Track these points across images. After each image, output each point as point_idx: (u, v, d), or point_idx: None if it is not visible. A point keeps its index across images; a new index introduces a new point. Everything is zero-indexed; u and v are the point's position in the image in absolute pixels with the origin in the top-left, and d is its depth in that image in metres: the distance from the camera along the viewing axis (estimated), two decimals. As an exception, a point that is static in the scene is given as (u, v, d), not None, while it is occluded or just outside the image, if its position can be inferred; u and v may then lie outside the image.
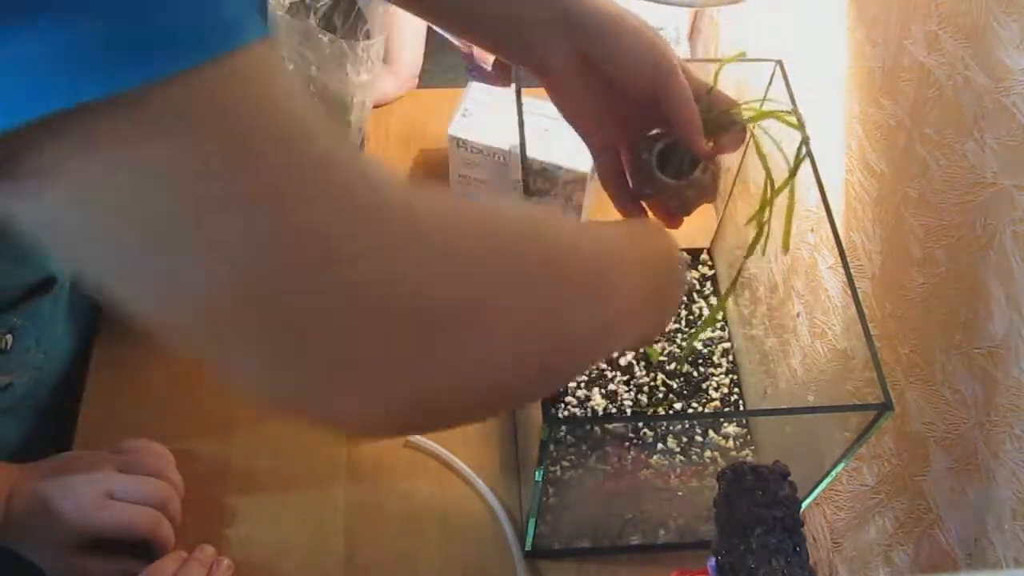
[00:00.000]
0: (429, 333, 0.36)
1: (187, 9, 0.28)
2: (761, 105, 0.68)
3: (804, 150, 0.64)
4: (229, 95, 0.30)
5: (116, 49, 0.27)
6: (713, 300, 0.90)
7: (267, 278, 0.31)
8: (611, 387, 0.83)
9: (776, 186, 0.64)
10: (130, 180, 0.29)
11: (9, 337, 0.68)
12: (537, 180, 0.89)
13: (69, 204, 0.29)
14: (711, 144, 0.61)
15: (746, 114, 0.62)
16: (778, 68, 0.71)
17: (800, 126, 0.63)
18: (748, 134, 0.63)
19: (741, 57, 0.69)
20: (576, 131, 0.64)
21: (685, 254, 0.94)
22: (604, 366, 0.84)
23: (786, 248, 0.66)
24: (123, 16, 0.27)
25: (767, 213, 0.66)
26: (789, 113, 0.64)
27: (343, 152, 0.34)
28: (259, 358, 0.34)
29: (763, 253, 0.68)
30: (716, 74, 0.62)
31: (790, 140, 0.64)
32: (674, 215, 0.65)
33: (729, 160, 0.77)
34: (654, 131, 0.62)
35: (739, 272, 0.81)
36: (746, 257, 0.72)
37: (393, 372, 0.36)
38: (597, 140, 0.64)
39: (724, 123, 0.61)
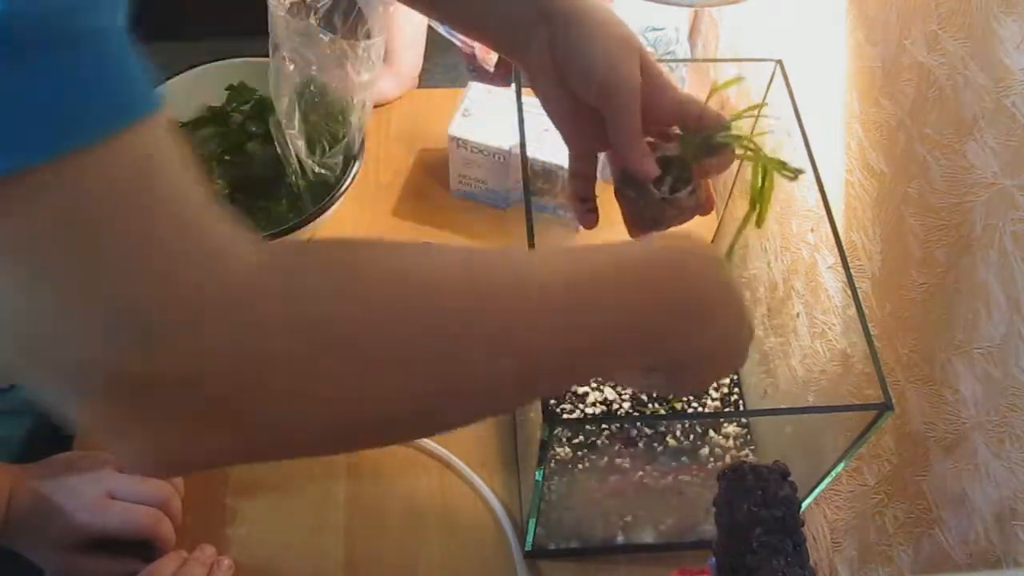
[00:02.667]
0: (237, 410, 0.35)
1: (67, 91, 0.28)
2: (757, 117, 0.69)
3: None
4: (109, 177, 0.30)
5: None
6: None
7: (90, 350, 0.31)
8: (611, 387, 0.83)
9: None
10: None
11: None
12: (537, 180, 0.89)
13: None
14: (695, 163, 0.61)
15: (742, 123, 0.62)
16: (778, 68, 0.71)
17: (787, 169, 0.62)
18: (734, 158, 0.62)
19: (738, 82, 0.69)
20: (559, 132, 0.64)
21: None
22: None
23: (759, 224, 0.66)
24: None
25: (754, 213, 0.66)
26: (784, 166, 0.62)
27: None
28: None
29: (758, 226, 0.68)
30: (708, 97, 0.62)
31: (790, 146, 0.65)
32: (644, 228, 0.63)
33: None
34: (649, 139, 0.62)
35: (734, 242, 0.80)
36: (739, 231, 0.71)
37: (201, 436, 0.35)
38: (575, 143, 0.64)
39: (712, 146, 0.61)
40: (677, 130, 0.63)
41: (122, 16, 0.31)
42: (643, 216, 0.63)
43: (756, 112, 0.70)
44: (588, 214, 0.66)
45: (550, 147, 0.86)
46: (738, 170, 0.84)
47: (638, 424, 0.73)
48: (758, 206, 0.66)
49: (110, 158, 0.30)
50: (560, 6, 0.59)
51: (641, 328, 0.46)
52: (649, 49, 0.98)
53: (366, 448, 0.45)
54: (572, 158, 0.66)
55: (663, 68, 0.61)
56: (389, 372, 0.37)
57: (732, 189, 0.86)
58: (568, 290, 0.43)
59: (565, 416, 0.81)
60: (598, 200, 0.67)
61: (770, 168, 0.63)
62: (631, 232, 0.64)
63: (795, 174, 0.62)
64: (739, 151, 0.62)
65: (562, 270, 0.44)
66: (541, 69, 0.60)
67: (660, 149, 0.61)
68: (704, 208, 0.64)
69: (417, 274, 0.39)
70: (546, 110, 0.63)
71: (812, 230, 0.73)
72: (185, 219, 0.32)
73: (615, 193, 0.64)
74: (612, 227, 0.66)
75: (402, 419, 0.40)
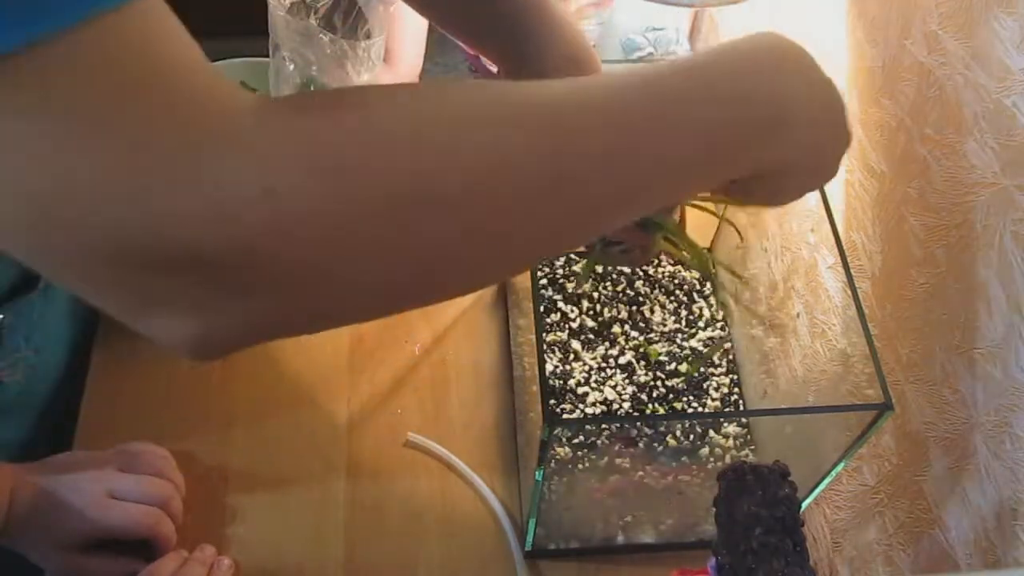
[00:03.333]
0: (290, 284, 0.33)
1: None
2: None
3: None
4: (107, 52, 0.29)
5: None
6: (713, 300, 0.90)
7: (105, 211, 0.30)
8: (611, 386, 0.83)
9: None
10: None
11: None
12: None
13: None
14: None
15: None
16: (778, 68, 0.71)
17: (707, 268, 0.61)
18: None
19: None
20: None
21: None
22: (604, 365, 0.84)
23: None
24: None
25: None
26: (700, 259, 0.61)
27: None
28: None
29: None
30: None
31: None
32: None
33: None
34: None
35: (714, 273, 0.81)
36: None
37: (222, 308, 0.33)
38: None
39: (650, 222, 0.58)
40: None
41: None
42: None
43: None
44: None
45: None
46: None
47: (638, 424, 0.73)
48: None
49: (134, 16, 0.30)
50: (545, 24, 0.59)
51: (711, 142, 0.40)
52: (649, 49, 0.98)
53: (420, 302, 0.40)
54: None
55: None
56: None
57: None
58: (625, 109, 0.38)
59: (565, 416, 0.81)
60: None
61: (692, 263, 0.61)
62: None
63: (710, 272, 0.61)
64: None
65: (614, 86, 0.39)
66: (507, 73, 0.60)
67: None
68: (638, 264, 0.63)
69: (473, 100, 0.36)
70: None
71: (812, 230, 0.73)
72: (205, 71, 0.32)
73: None
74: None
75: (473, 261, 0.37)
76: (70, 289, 0.33)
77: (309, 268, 0.33)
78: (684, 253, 0.60)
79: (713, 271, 0.61)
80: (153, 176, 0.30)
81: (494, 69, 1.22)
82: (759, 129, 0.42)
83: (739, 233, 0.67)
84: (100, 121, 0.30)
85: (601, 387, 0.83)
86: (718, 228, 0.93)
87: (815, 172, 0.48)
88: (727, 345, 0.87)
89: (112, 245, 0.30)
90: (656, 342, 0.86)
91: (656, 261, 0.92)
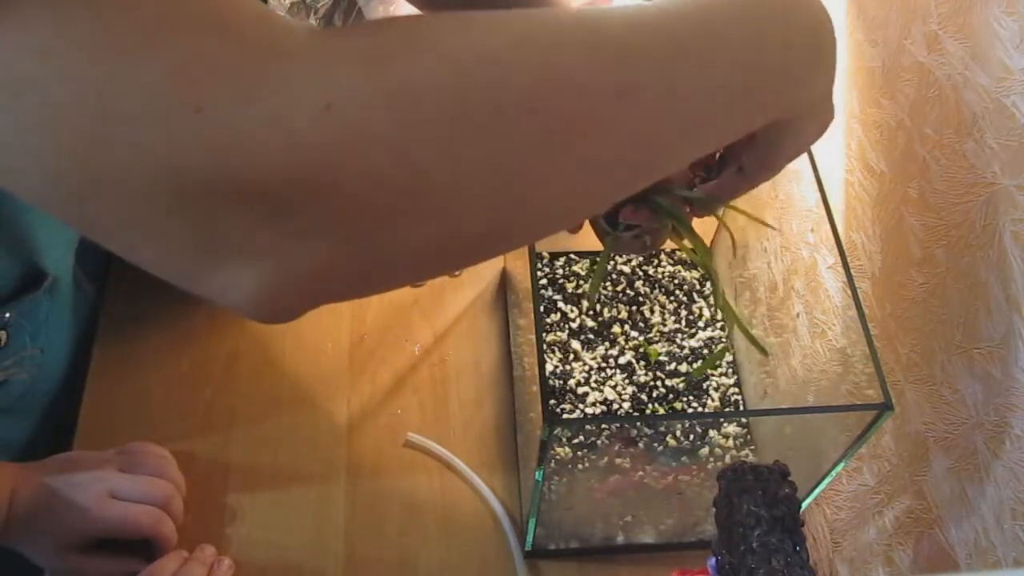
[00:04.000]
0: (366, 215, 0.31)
1: None
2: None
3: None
4: None
5: None
6: (713, 300, 0.90)
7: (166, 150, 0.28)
8: (611, 387, 0.83)
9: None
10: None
11: (3, 333, 0.68)
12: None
13: None
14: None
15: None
16: (778, 68, 0.71)
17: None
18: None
19: None
20: None
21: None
22: (604, 365, 0.84)
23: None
24: None
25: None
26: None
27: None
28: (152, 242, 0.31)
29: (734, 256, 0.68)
30: None
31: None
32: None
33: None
34: None
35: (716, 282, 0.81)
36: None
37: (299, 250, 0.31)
38: None
39: (651, 200, 0.59)
40: None
41: None
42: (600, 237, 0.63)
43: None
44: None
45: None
46: (738, 170, 0.84)
47: (638, 424, 0.73)
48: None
49: None
50: None
51: (761, 64, 0.40)
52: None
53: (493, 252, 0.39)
54: None
55: None
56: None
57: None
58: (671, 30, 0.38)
59: (565, 416, 0.81)
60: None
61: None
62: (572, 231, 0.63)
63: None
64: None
65: (666, 7, 0.39)
66: None
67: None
68: (648, 250, 0.63)
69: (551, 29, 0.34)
70: None
71: (812, 230, 0.73)
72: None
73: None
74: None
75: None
76: (125, 245, 0.31)
77: (375, 198, 0.31)
78: (686, 243, 0.60)
79: (712, 269, 0.62)
80: (210, 87, 0.28)
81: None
82: (803, 55, 0.42)
83: (732, 241, 0.68)
84: (152, 30, 0.28)
85: (601, 387, 0.83)
86: (718, 228, 0.93)
87: (828, 111, 0.49)
88: (727, 344, 0.87)
89: (169, 171, 0.28)
90: (656, 342, 0.86)
91: (656, 261, 0.93)
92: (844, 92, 0.71)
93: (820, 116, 0.49)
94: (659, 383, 0.84)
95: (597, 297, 0.88)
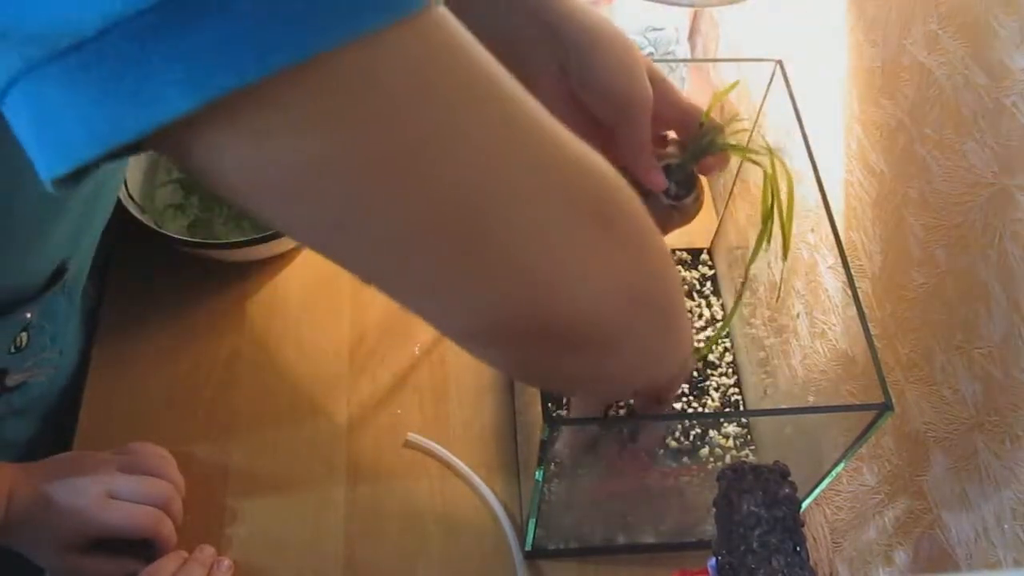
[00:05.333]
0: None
1: None
2: (759, 112, 0.69)
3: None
4: (410, 61, 0.31)
5: (293, 22, 0.27)
6: (713, 300, 0.90)
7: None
8: (611, 387, 0.83)
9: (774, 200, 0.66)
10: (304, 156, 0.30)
11: (24, 335, 0.68)
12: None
13: (246, 178, 0.31)
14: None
15: (738, 137, 0.64)
16: (778, 68, 0.71)
17: (772, 172, 0.65)
18: (729, 158, 0.65)
19: (736, 86, 0.71)
20: None
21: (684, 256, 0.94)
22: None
23: (785, 256, 0.68)
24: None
25: (769, 228, 0.67)
26: (762, 153, 0.65)
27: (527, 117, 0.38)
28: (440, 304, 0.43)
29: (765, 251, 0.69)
30: (710, 107, 0.62)
31: (790, 146, 0.65)
32: None
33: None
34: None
35: (743, 285, 0.81)
36: (748, 265, 0.73)
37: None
38: None
39: (711, 149, 0.63)
40: (673, 134, 0.64)
41: None
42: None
43: (755, 117, 0.71)
44: None
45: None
46: (738, 170, 0.84)
47: (638, 424, 0.73)
48: (772, 224, 0.67)
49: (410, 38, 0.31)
50: (569, 23, 0.58)
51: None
52: (649, 49, 0.98)
53: None
54: None
55: (663, 73, 0.62)
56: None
57: (732, 189, 0.86)
58: None
59: (565, 416, 0.81)
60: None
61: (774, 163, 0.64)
62: None
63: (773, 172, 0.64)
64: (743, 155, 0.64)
65: None
66: (548, 83, 0.59)
67: (663, 158, 0.62)
68: (699, 210, 0.66)
69: None
70: None
71: (812, 230, 0.73)
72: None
73: None
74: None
75: None
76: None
77: (615, 338, 0.43)
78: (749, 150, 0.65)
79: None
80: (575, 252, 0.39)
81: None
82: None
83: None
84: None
85: (601, 387, 0.83)
86: (718, 229, 0.93)
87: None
88: (727, 345, 0.87)
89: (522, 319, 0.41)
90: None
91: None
92: (844, 92, 0.71)
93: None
94: (659, 383, 0.84)
95: None
